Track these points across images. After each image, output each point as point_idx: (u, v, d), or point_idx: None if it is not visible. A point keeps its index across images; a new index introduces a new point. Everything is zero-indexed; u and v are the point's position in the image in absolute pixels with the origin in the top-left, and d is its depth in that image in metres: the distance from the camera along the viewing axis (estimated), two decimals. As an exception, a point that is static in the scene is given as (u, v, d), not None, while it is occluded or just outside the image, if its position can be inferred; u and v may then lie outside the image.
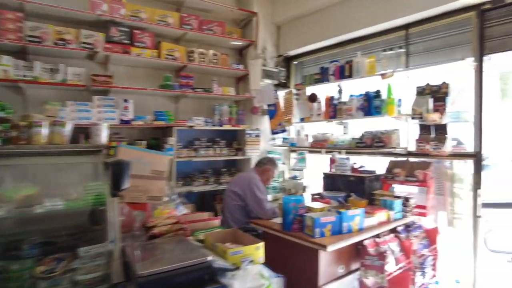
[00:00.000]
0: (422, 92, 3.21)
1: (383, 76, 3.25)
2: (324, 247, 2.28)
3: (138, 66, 3.81)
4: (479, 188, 3.03)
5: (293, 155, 4.72)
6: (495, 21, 2.99)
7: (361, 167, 3.58)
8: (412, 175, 3.19)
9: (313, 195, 3.43)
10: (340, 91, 3.74)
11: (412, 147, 3.29)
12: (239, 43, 4.25)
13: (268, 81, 4.46)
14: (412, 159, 3.45)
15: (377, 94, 3.38)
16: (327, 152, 4.03)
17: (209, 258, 1.57)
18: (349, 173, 3.45)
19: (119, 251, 1.61)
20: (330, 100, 3.85)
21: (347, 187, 3.42)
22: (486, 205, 3.14)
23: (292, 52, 4.59)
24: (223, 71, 4.14)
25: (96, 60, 3.51)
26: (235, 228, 2.14)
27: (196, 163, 4.12)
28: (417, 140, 3.20)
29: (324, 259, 2.41)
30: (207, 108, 4.22)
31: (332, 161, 3.68)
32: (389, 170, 3.40)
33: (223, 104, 4.13)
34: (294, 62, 4.80)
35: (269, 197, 4.64)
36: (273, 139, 4.63)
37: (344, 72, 3.70)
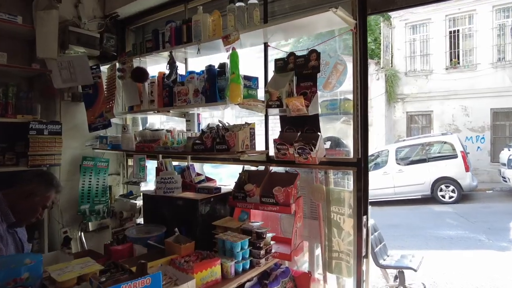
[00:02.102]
0: (283, 67, 2.09)
1: (226, 39, 2.03)
2: None
3: None
4: (365, 214, 2.01)
5: (131, 162, 3.27)
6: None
7: (200, 182, 2.33)
8: (270, 195, 2.04)
9: (115, 233, 2.04)
10: (172, 64, 2.40)
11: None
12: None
13: (82, 50, 2.92)
14: (275, 169, 2.34)
15: (223, 69, 2.15)
16: (163, 158, 2.69)
17: None
18: (178, 193, 2.15)
19: None
20: (163, 79, 2.51)
21: (176, 217, 2.13)
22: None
23: (123, 12, 3.11)
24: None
25: None
26: None
27: None
28: (275, 140, 2.06)
29: None
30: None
31: (159, 172, 2.35)
32: (239, 186, 2.21)
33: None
34: (131, 28, 3.34)
35: (91, 226, 3.11)
36: (96, 138, 3.10)
37: (182, 37, 2.40)
